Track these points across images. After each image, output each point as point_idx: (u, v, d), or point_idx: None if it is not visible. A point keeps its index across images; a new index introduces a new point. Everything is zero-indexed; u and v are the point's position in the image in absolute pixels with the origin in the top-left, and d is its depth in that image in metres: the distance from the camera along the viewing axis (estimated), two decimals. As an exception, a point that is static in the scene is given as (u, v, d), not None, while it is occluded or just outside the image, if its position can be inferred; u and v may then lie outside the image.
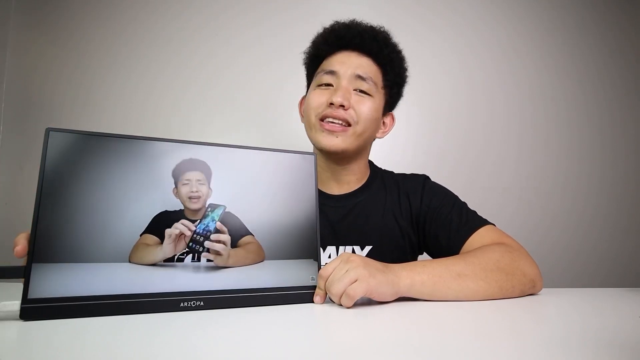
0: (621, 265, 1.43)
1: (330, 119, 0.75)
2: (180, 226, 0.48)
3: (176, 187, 0.49)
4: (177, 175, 0.50)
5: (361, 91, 0.77)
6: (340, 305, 0.50)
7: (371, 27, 0.81)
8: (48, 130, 0.44)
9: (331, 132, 0.74)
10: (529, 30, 1.52)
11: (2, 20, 1.46)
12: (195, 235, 0.49)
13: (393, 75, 0.81)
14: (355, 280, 0.49)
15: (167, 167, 0.49)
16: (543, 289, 0.69)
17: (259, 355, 0.30)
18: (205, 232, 0.50)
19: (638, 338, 0.36)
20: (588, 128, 1.49)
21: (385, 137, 0.86)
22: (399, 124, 1.47)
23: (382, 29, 0.82)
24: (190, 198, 0.50)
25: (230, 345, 0.33)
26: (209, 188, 0.51)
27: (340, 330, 0.41)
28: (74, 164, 0.45)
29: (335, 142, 0.74)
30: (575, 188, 1.46)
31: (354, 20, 0.82)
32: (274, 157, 0.56)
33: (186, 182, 0.50)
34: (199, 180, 0.50)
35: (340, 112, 0.74)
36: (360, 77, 0.76)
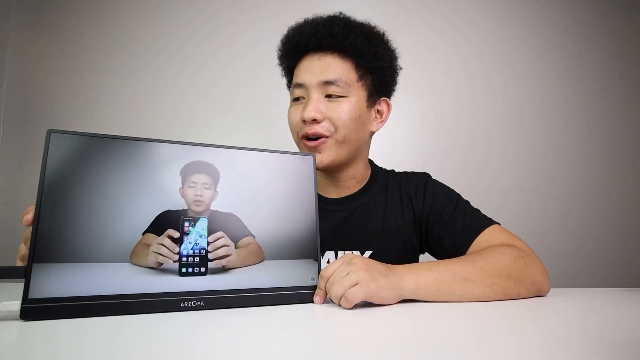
0: (621, 265, 1.43)
1: (309, 137, 0.72)
2: (163, 251, 0.47)
3: (182, 187, 0.50)
4: (184, 176, 0.50)
5: (335, 96, 0.72)
6: (340, 305, 0.50)
7: (325, 19, 0.74)
8: (49, 132, 0.44)
9: (314, 148, 0.71)
10: (530, 30, 1.52)
11: (2, 20, 1.46)
12: (185, 260, 0.48)
13: (367, 60, 0.73)
14: (356, 284, 0.48)
15: (170, 168, 0.49)
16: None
17: (260, 355, 0.30)
18: (197, 251, 0.49)
19: (638, 338, 0.36)
20: (588, 128, 1.49)
21: (383, 126, 0.79)
22: (400, 123, 1.47)
23: (341, 17, 0.75)
24: (194, 201, 0.50)
25: (231, 345, 0.33)
26: (215, 191, 0.51)
27: (340, 331, 0.41)
28: (74, 165, 0.45)
29: (320, 158, 0.71)
30: (575, 188, 1.46)
31: (307, 19, 0.77)
32: (273, 159, 0.56)
33: (192, 184, 0.50)
34: (205, 184, 0.51)
35: (315, 127, 0.70)
36: (328, 83, 0.71)
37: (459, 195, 0.78)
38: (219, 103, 1.46)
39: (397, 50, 0.80)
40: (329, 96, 0.72)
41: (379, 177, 0.82)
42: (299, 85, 0.73)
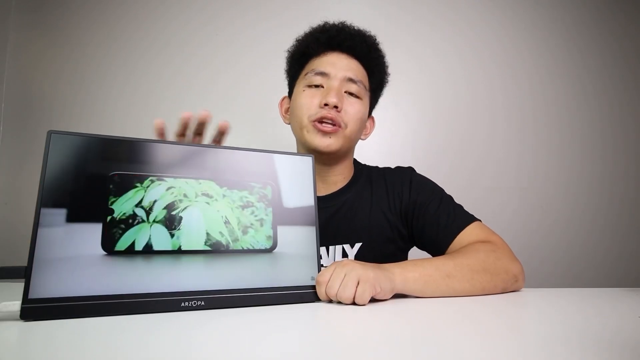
0: (621, 265, 1.43)
1: (325, 120, 0.75)
2: None
3: None
4: None
5: (351, 93, 0.78)
6: (340, 302, 0.50)
7: (360, 30, 0.82)
8: (50, 133, 0.44)
9: (325, 132, 0.75)
10: (530, 30, 1.52)
11: (2, 20, 1.46)
12: None
13: (378, 78, 0.83)
14: (358, 282, 0.50)
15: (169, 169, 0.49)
16: (543, 288, 0.69)
17: (260, 355, 0.30)
18: None
19: (638, 338, 0.36)
20: (589, 127, 1.49)
21: (366, 139, 0.88)
22: (399, 123, 1.47)
23: (370, 33, 0.83)
24: None
25: (232, 345, 0.33)
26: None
27: (341, 329, 0.41)
28: (75, 166, 0.45)
29: (329, 142, 0.75)
30: (576, 188, 1.46)
31: (345, 22, 0.82)
32: (272, 159, 0.56)
33: None
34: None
35: (333, 113, 0.74)
36: (351, 80, 0.77)
37: (442, 190, 0.81)
38: (218, 103, 1.46)
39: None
40: (345, 93, 0.77)
41: (363, 173, 0.86)
42: (323, 74, 0.77)
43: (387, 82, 0.86)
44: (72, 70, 1.47)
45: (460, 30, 1.50)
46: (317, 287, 0.53)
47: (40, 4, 1.50)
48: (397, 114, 1.45)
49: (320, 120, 0.75)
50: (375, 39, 0.83)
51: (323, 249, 0.78)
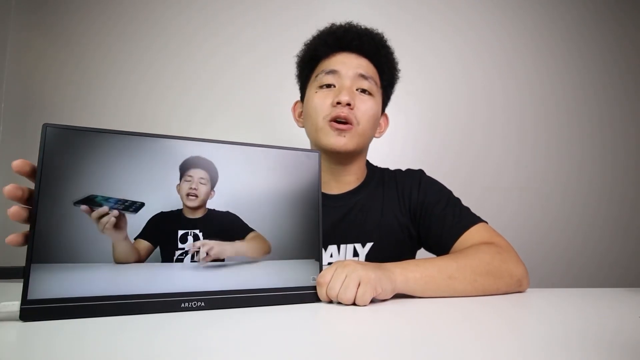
0: (621, 265, 1.43)
1: (338, 119, 0.76)
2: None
3: (180, 182, 0.49)
4: (182, 171, 0.49)
5: (363, 90, 0.78)
6: (340, 303, 0.50)
7: (367, 29, 0.82)
8: (45, 126, 0.43)
9: (340, 131, 0.75)
10: (530, 29, 1.52)
11: (2, 20, 1.46)
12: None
13: (389, 75, 0.84)
14: (359, 283, 0.50)
15: (168, 164, 0.49)
16: (544, 289, 0.69)
17: (261, 356, 0.30)
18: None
19: (638, 338, 0.36)
20: (589, 128, 1.49)
21: (381, 137, 0.88)
22: (399, 123, 1.47)
23: (377, 32, 0.83)
24: (187, 195, 0.49)
25: (232, 346, 0.33)
26: (212, 190, 0.50)
27: (342, 330, 0.41)
28: (72, 161, 0.44)
29: (344, 141, 0.76)
30: (575, 189, 1.46)
31: (351, 22, 0.83)
32: (278, 155, 0.55)
33: (188, 178, 0.49)
34: (201, 178, 0.50)
35: (346, 111, 0.75)
36: (362, 76, 0.78)
37: (450, 192, 0.82)
38: (219, 103, 1.46)
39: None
40: (357, 90, 0.78)
41: (376, 174, 0.87)
42: (333, 72, 0.78)
43: (397, 78, 0.87)
44: (72, 70, 1.47)
45: (460, 30, 1.50)
46: (317, 288, 0.53)
47: (41, 4, 1.49)
48: (397, 114, 1.44)
49: (335, 120, 0.76)
50: (383, 37, 0.83)
51: (334, 247, 0.78)
